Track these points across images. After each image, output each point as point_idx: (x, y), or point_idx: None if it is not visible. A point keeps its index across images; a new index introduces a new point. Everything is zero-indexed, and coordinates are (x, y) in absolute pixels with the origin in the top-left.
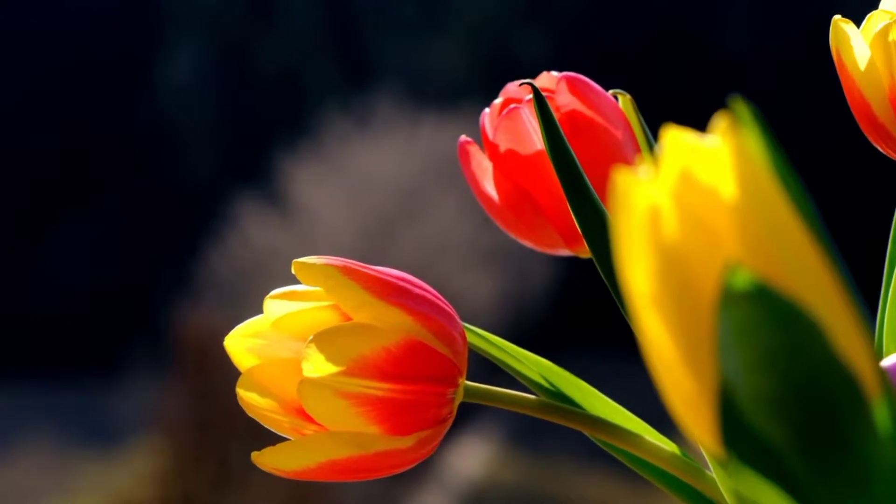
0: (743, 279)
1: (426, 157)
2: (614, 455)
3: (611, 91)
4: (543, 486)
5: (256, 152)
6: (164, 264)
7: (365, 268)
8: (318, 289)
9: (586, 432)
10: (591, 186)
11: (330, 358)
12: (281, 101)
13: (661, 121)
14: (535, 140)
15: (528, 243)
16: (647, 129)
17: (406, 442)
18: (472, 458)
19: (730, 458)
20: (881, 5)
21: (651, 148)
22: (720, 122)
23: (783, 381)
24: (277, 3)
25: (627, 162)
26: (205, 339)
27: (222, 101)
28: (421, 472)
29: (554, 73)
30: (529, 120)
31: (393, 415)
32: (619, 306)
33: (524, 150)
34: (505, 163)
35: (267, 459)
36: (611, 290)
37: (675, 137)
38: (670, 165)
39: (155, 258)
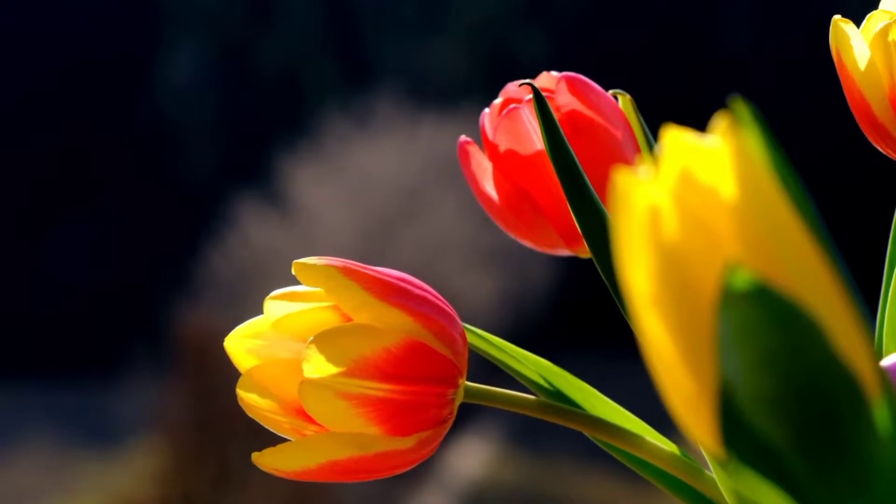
0: (743, 279)
1: (426, 157)
2: (614, 455)
3: (611, 91)
4: (543, 486)
5: (256, 152)
6: (164, 264)
7: (365, 268)
8: (318, 289)
9: (586, 433)
10: (591, 186)
11: (330, 359)
12: (281, 101)
13: (661, 121)
14: (535, 140)
15: (528, 243)
16: (647, 129)
17: (406, 443)
18: (472, 458)
19: (730, 458)
20: (881, 5)
21: (651, 148)
22: (720, 122)
23: (783, 381)
24: (277, 3)
25: (627, 162)
26: (205, 339)
27: (222, 101)
28: (421, 472)
29: (554, 73)
30: (529, 120)
31: (393, 415)
32: (619, 306)
33: (524, 150)
34: (505, 163)
35: (267, 460)
36: (611, 290)
37: (675, 137)
38: (670, 165)
39: (155, 258)
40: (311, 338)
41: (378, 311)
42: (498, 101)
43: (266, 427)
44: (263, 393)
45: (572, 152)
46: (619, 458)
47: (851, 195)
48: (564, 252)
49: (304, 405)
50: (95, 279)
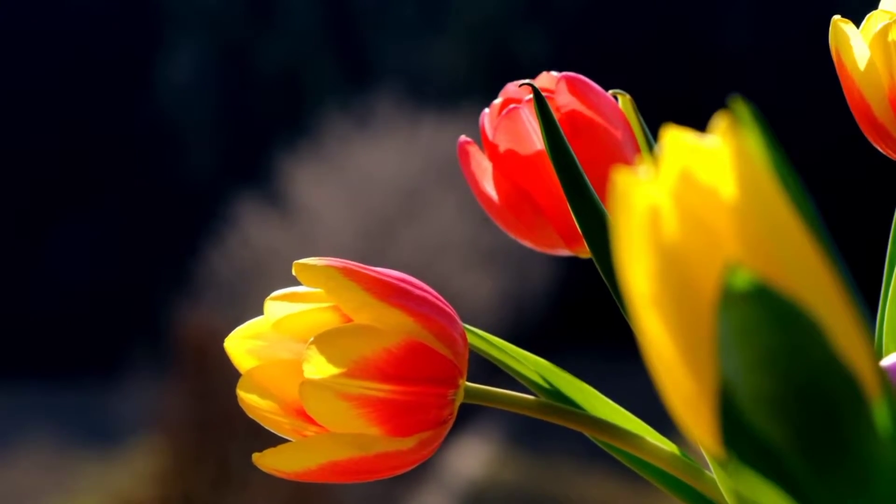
0: (743, 279)
1: (426, 157)
2: (614, 455)
3: (611, 91)
4: (543, 486)
5: (256, 152)
6: (164, 264)
7: (365, 269)
8: (318, 290)
9: (586, 433)
10: (591, 186)
11: (331, 359)
12: (281, 101)
13: (661, 121)
14: (535, 140)
15: (527, 243)
16: (647, 129)
17: (407, 443)
18: (472, 458)
19: (730, 458)
20: (881, 5)
21: (651, 148)
22: (720, 122)
23: (783, 381)
24: (277, 3)
25: (627, 162)
26: (205, 339)
27: (222, 101)
28: (421, 472)
29: (554, 73)
30: (529, 120)
31: (394, 416)
32: (619, 306)
33: (524, 150)
34: (504, 163)
35: (268, 461)
36: (611, 290)
37: (675, 137)
38: (670, 165)
39: (155, 258)
40: (312, 338)
41: (378, 312)
42: (498, 101)
43: (266, 428)
44: (264, 394)
45: (572, 152)
46: (619, 458)
47: (851, 195)
48: (564, 252)
49: (304, 406)
50: (95, 279)
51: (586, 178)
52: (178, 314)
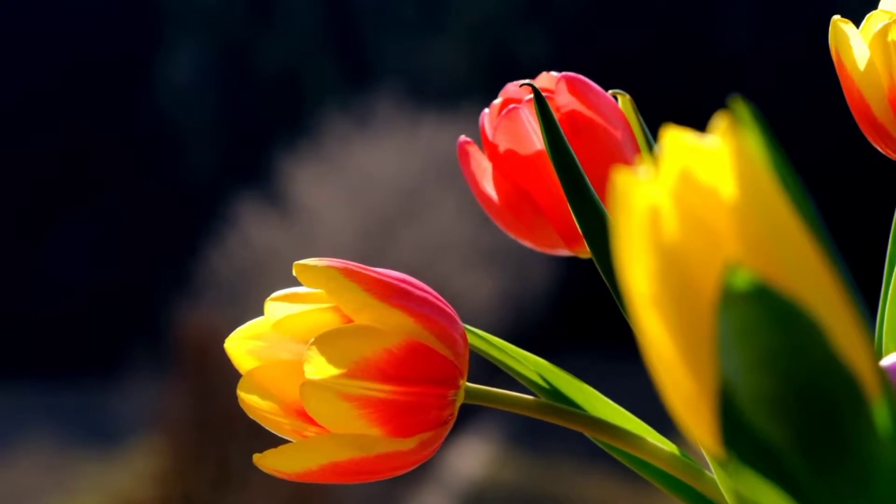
0: (743, 279)
1: (426, 157)
2: (614, 456)
3: (611, 91)
4: (543, 486)
5: (256, 152)
6: (164, 264)
7: (366, 270)
8: (319, 291)
9: (586, 433)
10: (591, 186)
11: (332, 360)
12: (281, 101)
13: (661, 121)
14: (535, 140)
15: (527, 243)
16: (647, 129)
17: (408, 444)
18: (472, 458)
19: (730, 458)
20: (880, 5)
21: (651, 148)
22: (720, 122)
23: (783, 381)
24: (277, 3)
25: (627, 162)
26: (205, 339)
27: (222, 101)
28: (421, 472)
29: (554, 73)
30: (529, 120)
31: (395, 417)
32: (619, 306)
33: (523, 150)
34: (504, 163)
35: (268, 461)
36: (611, 290)
37: (675, 137)
38: (670, 165)
39: (155, 258)
40: (313, 339)
41: (379, 313)
42: (498, 101)
43: (267, 428)
44: (264, 394)
45: (572, 152)
46: (619, 458)
47: (851, 195)
48: (564, 252)
49: (305, 406)
50: (95, 279)
51: (586, 178)
52: (178, 314)
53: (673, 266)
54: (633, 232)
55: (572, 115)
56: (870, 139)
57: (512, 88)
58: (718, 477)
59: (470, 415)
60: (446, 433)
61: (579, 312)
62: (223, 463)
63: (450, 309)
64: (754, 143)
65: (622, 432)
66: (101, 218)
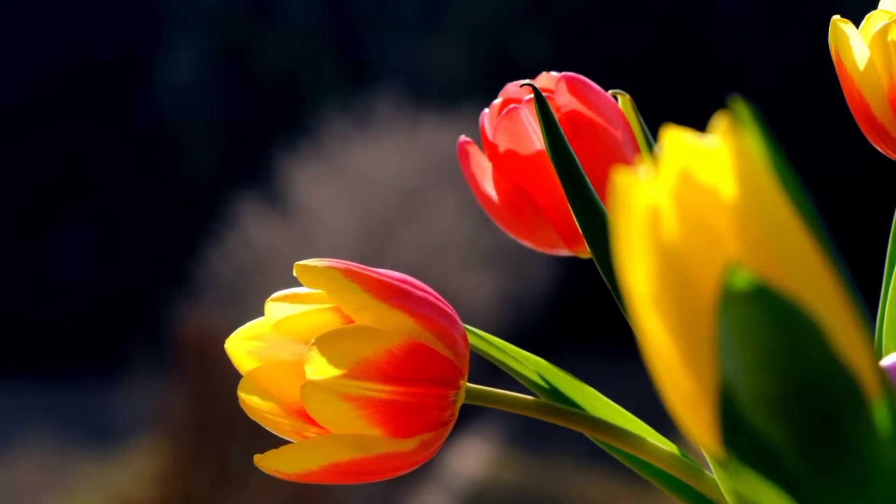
0: (743, 279)
1: (426, 157)
2: (614, 456)
3: (611, 91)
4: (543, 486)
5: (256, 152)
6: (164, 264)
7: (367, 270)
8: (319, 291)
9: (587, 433)
10: (591, 186)
11: (332, 361)
12: (281, 101)
13: (661, 121)
14: (535, 140)
15: (527, 243)
16: (647, 129)
17: (408, 444)
18: (472, 458)
19: (730, 458)
20: (880, 5)
21: (651, 148)
22: (720, 122)
23: (783, 381)
24: (277, 3)
25: (627, 162)
26: (205, 339)
27: (222, 101)
28: (421, 472)
29: (554, 73)
30: (529, 120)
31: (395, 417)
32: (619, 306)
33: (523, 150)
34: (504, 163)
35: (269, 462)
36: (611, 290)
37: (675, 137)
38: (670, 165)
39: (155, 258)
40: (313, 340)
41: (379, 313)
42: (498, 101)
43: (267, 429)
44: (264, 395)
45: (573, 152)
46: (619, 458)
47: (851, 195)
48: (564, 252)
49: (306, 407)
50: (95, 279)
51: (587, 178)
52: (178, 314)
53: (673, 266)
54: (633, 232)
55: (572, 115)
56: (870, 139)
57: (512, 88)
58: (718, 477)
59: (470, 415)
60: (447, 434)
61: (579, 312)
62: (223, 463)
63: (450, 309)
64: (754, 143)
65: (622, 432)
66: (101, 218)
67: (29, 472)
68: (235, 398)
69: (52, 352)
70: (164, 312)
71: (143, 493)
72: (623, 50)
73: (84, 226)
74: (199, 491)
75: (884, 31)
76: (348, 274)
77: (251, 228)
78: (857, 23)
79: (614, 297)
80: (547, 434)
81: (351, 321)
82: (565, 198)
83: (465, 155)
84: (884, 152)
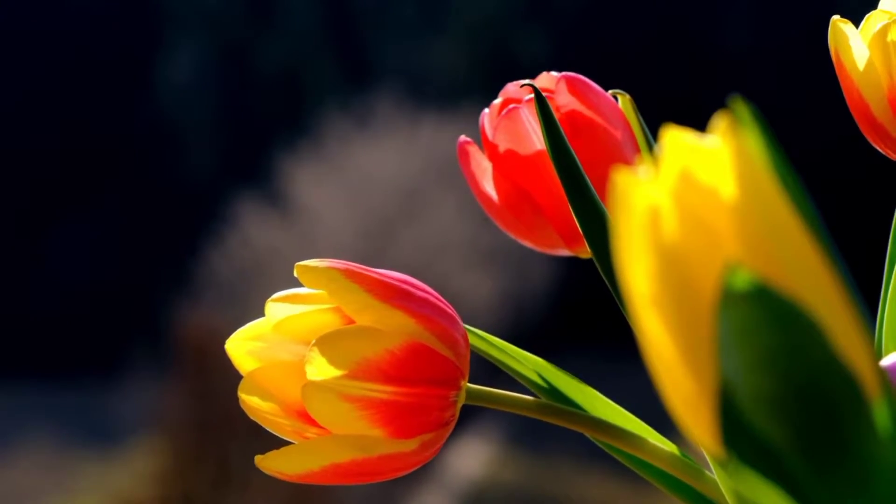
0: (743, 279)
1: (426, 157)
2: (615, 456)
3: (611, 91)
4: (543, 486)
5: (256, 152)
6: (164, 264)
7: (367, 270)
8: (320, 292)
9: (586, 433)
10: (591, 186)
11: (333, 361)
12: (281, 101)
13: (661, 121)
14: (535, 140)
15: (527, 243)
16: (647, 129)
17: (409, 445)
18: (472, 458)
19: (730, 458)
20: (880, 5)
21: (651, 148)
22: (720, 122)
23: (783, 381)
24: (277, 3)
25: (627, 162)
26: (205, 339)
27: (222, 101)
28: (421, 472)
29: (554, 73)
30: (529, 120)
31: (396, 418)
32: (619, 306)
33: (523, 150)
34: (504, 163)
35: (270, 463)
36: (611, 290)
37: (675, 137)
38: (670, 165)
39: (155, 258)
40: (314, 340)
41: (380, 314)
42: (498, 101)
43: (267, 429)
44: (265, 395)
45: (573, 152)
46: (619, 458)
47: (851, 195)
48: (564, 252)
49: (307, 407)
50: (95, 279)
51: (587, 178)
52: (178, 314)
53: (673, 266)
54: (633, 232)
55: (572, 115)
56: (869, 139)
57: (512, 88)
58: (718, 477)
59: (470, 415)
60: (448, 434)
61: (579, 312)
62: (223, 463)
63: (451, 310)
64: (754, 143)
65: (622, 432)
66: (101, 218)
67: (29, 472)
68: (235, 398)
69: (52, 352)
70: (164, 312)
71: (143, 493)
72: (623, 50)
73: (84, 226)
74: (199, 491)
75: (883, 31)
76: (349, 274)
77: (251, 228)
78: (856, 23)
79: (614, 297)
80: (547, 434)
81: (352, 322)
82: (565, 198)
83: (465, 155)
84: (883, 152)
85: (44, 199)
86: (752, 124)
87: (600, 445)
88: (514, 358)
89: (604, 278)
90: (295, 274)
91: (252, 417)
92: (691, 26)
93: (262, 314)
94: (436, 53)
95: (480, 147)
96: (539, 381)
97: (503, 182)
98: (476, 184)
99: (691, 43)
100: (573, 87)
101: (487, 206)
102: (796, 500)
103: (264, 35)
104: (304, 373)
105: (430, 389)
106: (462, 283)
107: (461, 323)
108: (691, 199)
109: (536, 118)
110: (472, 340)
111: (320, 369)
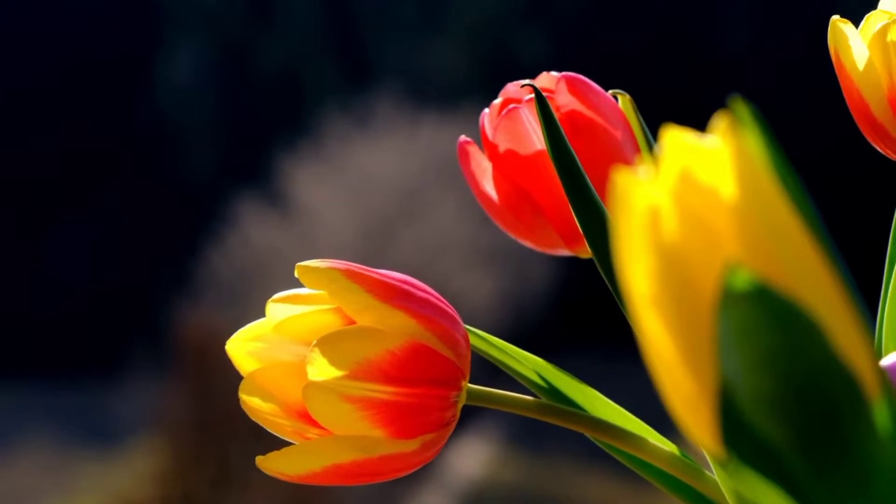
0: (743, 279)
1: (426, 157)
2: (615, 456)
3: (611, 91)
4: (543, 486)
5: (256, 152)
6: (164, 264)
7: (368, 271)
8: (320, 292)
9: (586, 433)
10: (591, 186)
11: (334, 362)
12: (281, 101)
13: (661, 121)
14: (535, 140)
15: (527, 243)
16: (647, 129)
17: (410, 445)
18: (472, 458)
19: (730, 458)
20: (880, 5)
21: (651, 148)
22: (720, 122)
23: (783, 381)
24: (277, 3)
25: (627, 162)
26: (205, 339)
27: (222, 101)
28: (421, 472)
29: (554, 73)
30: (529, 120)
31: (397, 418)
32: (619, 306)
33: (523, 150)
34: (504, 163)
35: (271, 464)
36: (611, 290)
37: (675, 137)
38: (670, 165)
39: (155, 258)
40: (315, 341)
41: (381, 314)
42: (498, 101)
43: (268, 430)
44: (265, 396)
45: (573, 152)
46: (619, 458)
47: (851, 195)
48: (564, 252)
49: (308, 408)
50: (95, 279)
51: (587, 178)
52: (178, 314)
53: (673, 266)
54: (633, 232)
55: (572, 115)
56: (869, 139)
57: (512, 88)
58: (718, 477)
59: (470, 415)
60: (449, 434)
61: (579, 312)
62: (223, 463)
63: (451, 310)
64: (754, 143)
65: (622, 432)
66: (101, 218)
67: (29, 472)
68: (235, 398)
69: (52, 352)
70: (164, 312)
71: (143, 493)
72: (623, 50)
73: (84, 226)
74: (199, 491)
75: (883, 31)
76: (350, 275)
77: (251, 228)
78: (856, 23)
79: (614, 297)
80: (547, 434)
81: (352, 322)
82: (565, 198)
83: (465, 155)
84: (883, 152)
85: (44, 199)
86: (752, 124)
87: (600, 445)
88: (514, 358)
89: (604, 278)
90: (295, 274)
91: (253, 418)
92: (691, 26)
93: (262, 314)
94: (436, 53)
95: (480, 147)
96: (539, 381)
97: (503, 182)
98: (476, 184)
99: (691, 43)
100: (573, 87)
101: (487, 206)
102: (796, 500)
103: (264, 35)
104: (304, 373)
105: (431, 390)
106: (462, 283)
107: (462, 323)
108: (691, 199)
109: (536, 118)
110: (473, 340)
111: (321, 370)
